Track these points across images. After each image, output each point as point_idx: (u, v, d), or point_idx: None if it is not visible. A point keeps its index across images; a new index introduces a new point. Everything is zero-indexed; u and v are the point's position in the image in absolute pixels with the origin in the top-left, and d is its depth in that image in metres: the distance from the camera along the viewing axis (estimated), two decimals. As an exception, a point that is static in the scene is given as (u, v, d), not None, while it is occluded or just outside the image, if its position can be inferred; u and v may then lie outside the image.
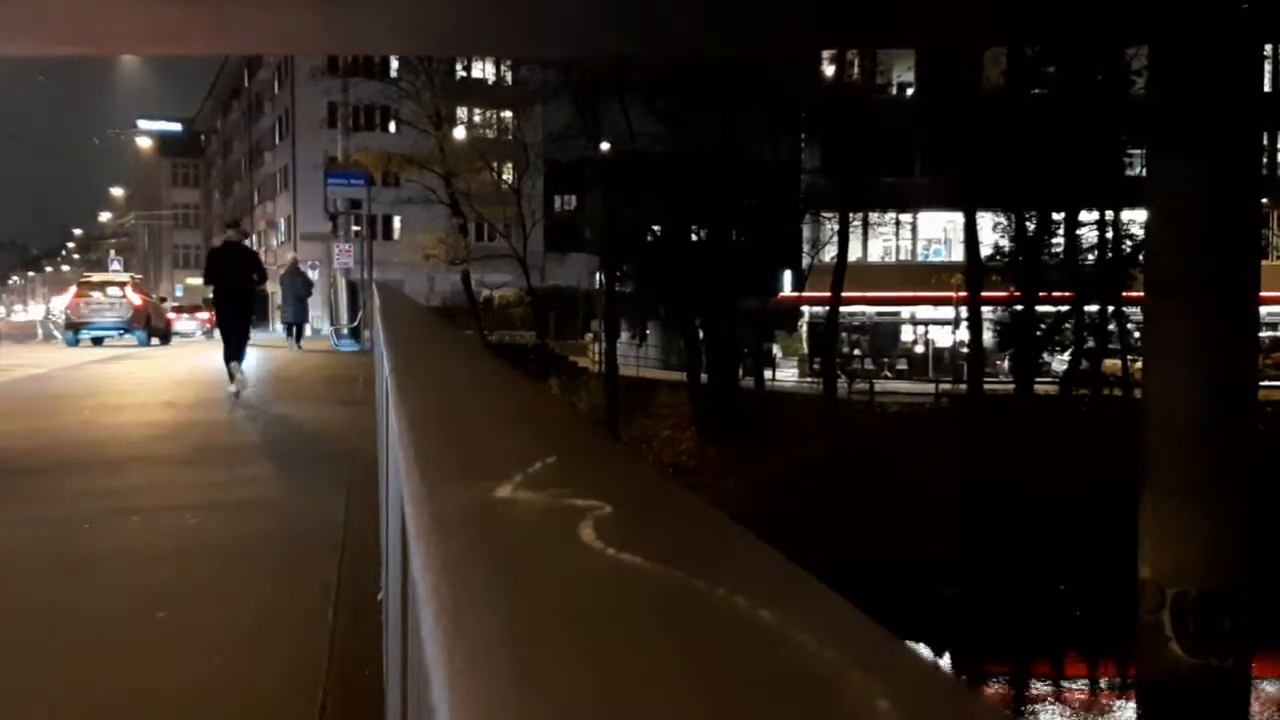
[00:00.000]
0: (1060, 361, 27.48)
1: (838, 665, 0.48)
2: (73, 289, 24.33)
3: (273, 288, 26.35)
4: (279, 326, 26.03)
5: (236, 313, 11.89)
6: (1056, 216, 26.10)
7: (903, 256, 35.69)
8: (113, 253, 64.08)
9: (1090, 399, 24.67)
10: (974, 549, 16.81)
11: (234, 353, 11.60)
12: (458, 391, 2.08)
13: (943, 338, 35.58)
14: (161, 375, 14.82)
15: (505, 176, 34.93)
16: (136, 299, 23.03)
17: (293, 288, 22.64)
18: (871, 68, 30.88)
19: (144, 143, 68.65)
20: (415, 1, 12.19)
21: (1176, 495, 12.03)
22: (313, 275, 26.13)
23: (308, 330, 24.26)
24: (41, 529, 5.44)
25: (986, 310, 27.37)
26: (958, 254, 30.08)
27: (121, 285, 23.26)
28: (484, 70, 43.04)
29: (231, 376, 11.45)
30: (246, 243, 14.29)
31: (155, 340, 23.50)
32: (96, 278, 24.71)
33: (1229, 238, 11.97)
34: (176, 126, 75.03)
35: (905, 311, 36.13)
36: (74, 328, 22.48)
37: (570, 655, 0.51)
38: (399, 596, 1.56)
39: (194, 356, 18.40)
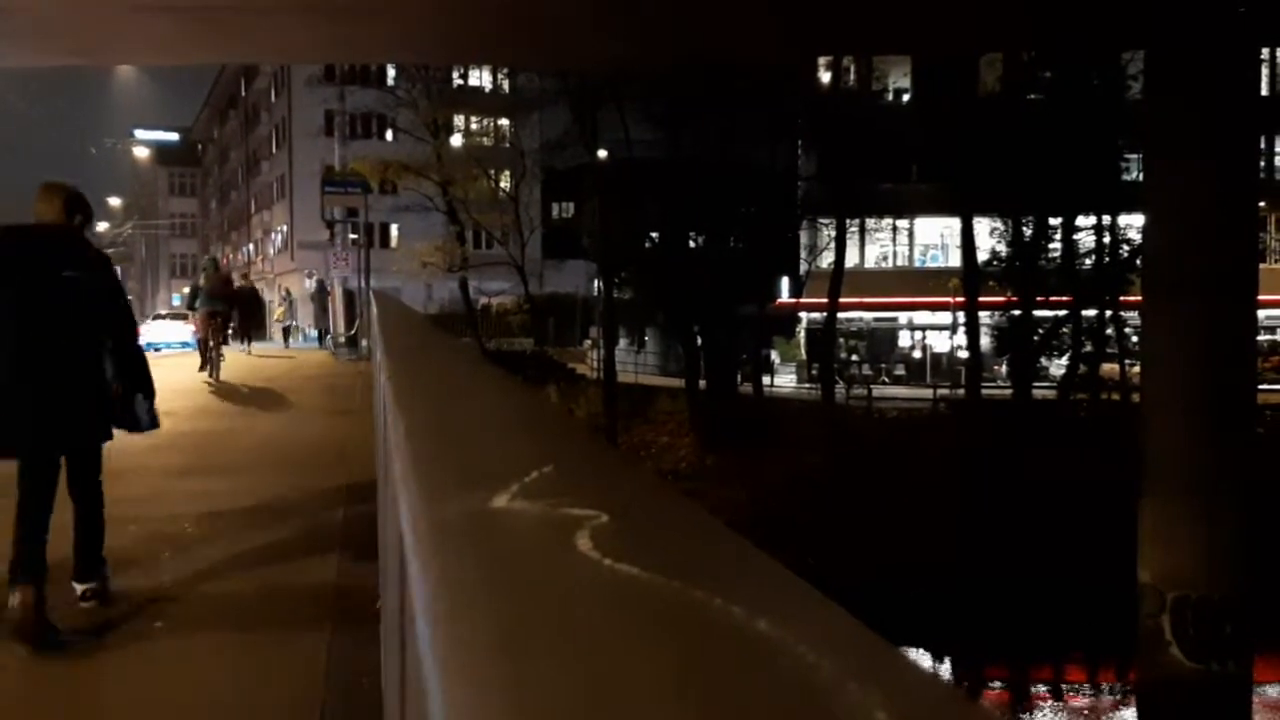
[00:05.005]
0: (1058, 366, 27.45)
1: (835, 675, 0.48)
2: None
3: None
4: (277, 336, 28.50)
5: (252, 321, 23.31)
6: (1054, 221, 26.09)
7: (900, 262, 35.70)
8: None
9: (1088, 403, 24.65)
10: (973, 554, 16.79)
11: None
12: (455, 399, 2.08)
13: (940, 343, 35.57)
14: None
15: (503, 184, 34.93)
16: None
17: (320, 301, 27.27)
18: (867, 73, 30.93)
19: (141, 153, 68.64)
20: (412, 12, 12.20)
21: (1176, 499, 12.02)
22: (309, 284, 28.62)
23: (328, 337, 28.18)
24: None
25: (984, 315, 27.35)
26: (955, 259, 30.07)
27: None
28: (481, 78, 43.03)
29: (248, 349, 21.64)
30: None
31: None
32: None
33: (1226, 241, 11.98)
34: (173, 136, 74.96)
35: (903, 317, 36.13)
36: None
37: (566, 665, 0.51)
38: (397, 604, 1.56)
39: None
